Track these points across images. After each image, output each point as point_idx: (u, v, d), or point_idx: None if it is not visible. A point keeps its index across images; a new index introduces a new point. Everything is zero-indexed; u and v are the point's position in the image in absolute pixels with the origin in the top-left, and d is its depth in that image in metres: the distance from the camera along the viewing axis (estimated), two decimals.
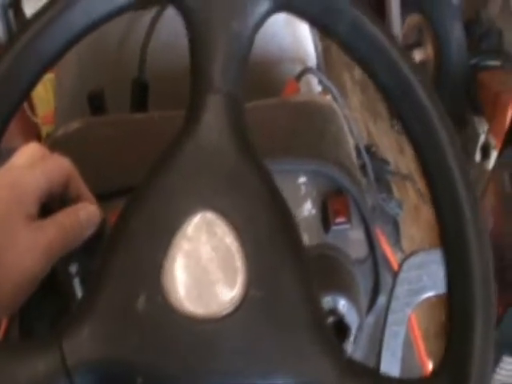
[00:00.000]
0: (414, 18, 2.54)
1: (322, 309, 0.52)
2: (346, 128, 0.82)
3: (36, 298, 0.61)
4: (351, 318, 0.67)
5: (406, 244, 1.83)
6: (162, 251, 0.49)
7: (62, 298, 0.65)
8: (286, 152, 0.73)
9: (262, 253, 0.50)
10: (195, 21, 0.54)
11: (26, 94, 0.56)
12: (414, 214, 1.98)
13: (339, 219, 0.71)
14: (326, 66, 1.20)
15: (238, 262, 0.49)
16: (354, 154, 0.80)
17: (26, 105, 2.31)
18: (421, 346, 0.98)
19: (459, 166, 0.51)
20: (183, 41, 0.56)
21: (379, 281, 0.75)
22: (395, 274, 0.84)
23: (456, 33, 2.39)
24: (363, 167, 1.23)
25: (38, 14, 0.53)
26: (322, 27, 0.57)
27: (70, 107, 1.08)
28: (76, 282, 0.65)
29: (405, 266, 0.85)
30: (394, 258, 1.08)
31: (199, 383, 0.47)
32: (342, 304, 0.66)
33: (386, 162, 1.84)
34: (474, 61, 2.48)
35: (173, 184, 0.51)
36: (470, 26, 2.58)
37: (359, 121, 2.49)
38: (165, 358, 0.47)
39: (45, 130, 2.28)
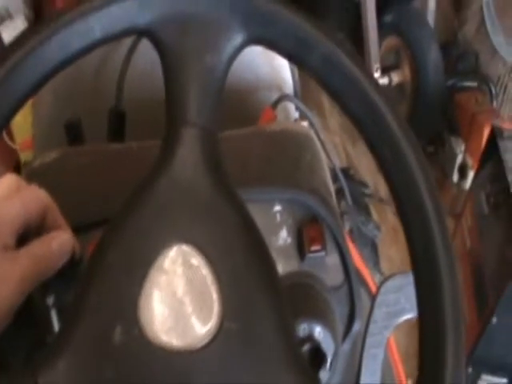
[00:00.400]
0: (392, 41, 2.57)
1: (296, 339, 0.53)
2: (322, 155, 0.83)
3: (11, 330, 0.61)
4: (327, 344, 0.67)
5: (385, 265, 1.84)
6: (138, 284, 0.49)
7: (38, 330, 0.65)
8: (260, 181, 0.73)
9: (237, 285, 0.50)
10: (169, 54, 0.55)
11: (1, 128, 0.55)
12: (393, 236, 1.99)
13: (314, 247, 0.72)
14: (303, 88, 1.21)
15: (214, 295, 0.49)
16: (329, 180, 0.81)
17: (4, 131, 2.31)
18: (399, 367, 0.99)
19: (429, 189, 0.52)
20: (160, 70, 0.57)
21: (355, 307, 0.76)
22: (373, 298, 0.85)
23: (433, 54, 2.42)
24: (341, 191, 1.24)
25: (11, 50, 0.53)
26: (295, 60, 0.58)
27: (48, 135, 1.08)
28: (53, 314, 0.65)
29: (382, 289, 0.86)
30: (372, 280, 1.09)
31: None
32: (318, 331, 0.67)
33: (364, 184, 1.85)
34: (450, 82, 2.52)
35: (148, 217, 0.51)
36: (447, 47, 2.63)
37: (338, 143, 2.50)
38: None
39: (23, 156, 2.27)
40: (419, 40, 2.44)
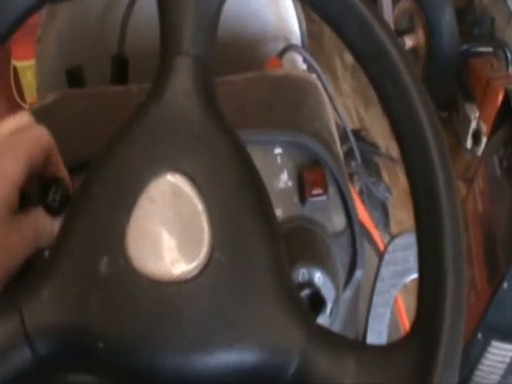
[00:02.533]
0: (405, 4, 2.55)
1: (290, 275, 0.51)
2: (326, 102, 0.81)
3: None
4: (327, 290, 0.66)
5: (395, 229, 1.83)
6: (126, 213, 0.47)
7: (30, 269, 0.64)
8: (261, 123, 0.72)
9: (228, 216, 0.49)
10: None
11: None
12: (404, 199, 1.98)
13: (315, 191, 0.70)
14: (317, 51, 1.19)
15: (204, 225, 0.48)
16: (333, 127, 0.79)
17: (14, 90, 2.32)
18: (407, 327, 0.98)
19: (431, 122, 0.50)
20: None
21: (357, 254, 0.74)
22: (381, 255, 0.83)
23: (447, 18, 2.39)
24: (351, 151, 1.23)
25: None
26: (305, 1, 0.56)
27: (50, 85, 1.07)
28: (46, 254, 0.64)
29: (390, 247, 0.84)
30: (380, 239, 1.07)
31: (160, 349, 0.46)
32: (318, 276, 0.65)
33: (375, 145, 1.83)
34: (465, 47, 2.50)
35: (137, 146, 0.50)
36: (462, 12, 2.60)
37: (350, 107, 2.49)
38: (125, 322, 0.46)
39: None
40: (433, 3, 2.41)
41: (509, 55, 2.45)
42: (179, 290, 0.46)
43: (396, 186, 1.94)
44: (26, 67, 2.29)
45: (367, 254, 0.89)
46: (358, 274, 0.74)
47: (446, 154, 0.49)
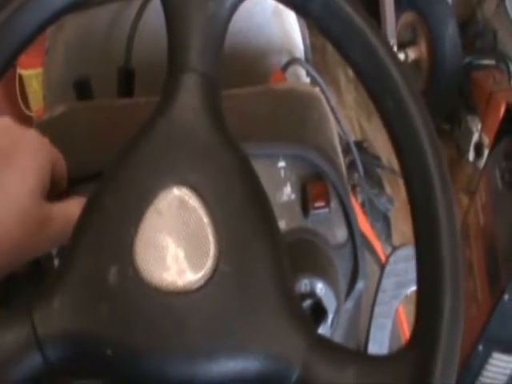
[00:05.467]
0: (409, 16, 2.59)
1: (292, 286, 0.52)
2: (329, 116, 0.82)
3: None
4: (328, 301, 0.67)
5: (397, 240, 1.84)
6: (134, 225, 0.49)
7: (42, 279, 0.66)
8: (265, 137, 0.73)
9: (233, 228, 0.50)
10: (169, 4, 0.55)
11: (2, 72, 0.55)
12: (406, 211, 1.98)
13: (318, 203, 0.71)
14: (320, 64, 1.20)
15: (210, 237, 0.49)
16: (336, 141, 0.80)
17: (19, 99, 2.34)
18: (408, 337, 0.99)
19: (430, 138, 0.51)
20: None
21: (358, 265, 0.75)
22: (382, 267, 0.84)
23: (450, 31, 2.43)
24: (353, 163, 1.24)
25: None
26: (297, 7, 0.58)
27: (58, 96, 1.08)
28: (56, 263, 0.66)
29: (392, 259, 0.85)
30: (381, 250, 1.08)
31: (166, 357, 0.47)
32: (320, 287, 0.66)
33: (377, 157, 1.85)
34: (468, 59, 2.53)
35: (146, 159, 0.51)
36: (465, 25, 2.64)
37: (353, 118, 2.50)
38: (133, 331, 0.47)
39: None
40: (436, 16, 2.45)
41: (511, 68, 2.49)
42: (185, 299, 0.47)
43: (398, 197, 1.95)
44: (31, 76, 2.31)
45: (369, 264, 0.90)
46: (360, 285, 0.76)
47: (445, 173, 0.51)
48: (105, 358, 0.47)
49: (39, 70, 2.28)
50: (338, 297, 0.68)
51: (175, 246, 0.48)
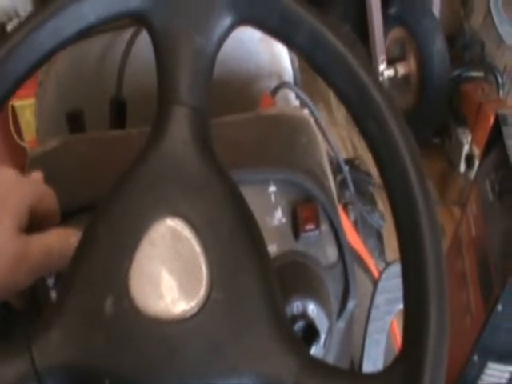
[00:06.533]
0: (397, 32, 2.61)
1: (283, 309, 0.54)
2: (318, 139, 0.84)
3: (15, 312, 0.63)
4: (321, 322, 0.69)
5: (390, 256, 1.84)
6: (129, 256, 0.51)
7: (39, 310, 0.67)
8: (255, 162, 0.75)
9: (224, 256, 0.52)
10: (160, 35, 0.57)
11: None
12: None
13: (309, 226, 0.74)
14: (310, 83, 1.22)
15: (202, 266, 0.51)
16: (326, 163, 0.82)
17: (13, 130, 2.34)
18: None
19: (413, 160, 0.53)
20: None
21: (349, 285, 0.77)
22: (375, 283, 0.86)
23: (438, 45, 2.45)
24: (345, 181, 1.26)
25: (10, 35, 0.55)
26: (283, 39, 0.60)
27: (50, 126, 1.09)
28: (53, 294, 0.67)
29: (385, 275, 0.87)
30: (374, 267, 1.10)
31: (162, 383, 0.49)
32: (312, 308, 0.68)
33: (369, 174, 1.86)
34: (457, 72, 2.56)
35: (138, 191, 0.53)
36: (453, 38, 2.67)
37: (345, 136, 2.52)
38: (130, 360, 0.49)
39: None
40: (424, 31, 2.48)
41: (499, 79, 2.50)
42: (179, 327, 0.49)
43: (390, 213, 1.96)
44: (24, 106, 2.31)
45: (362, 281, 0.92)
46: (351, 304, 0.77)
47: (428, 193, 0.53)
48: None
49: (32, 101, 2.29)
50: (329, 317, 0.70)
51: (169, 276, 0.50)
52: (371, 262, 1.11)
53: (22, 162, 2.12)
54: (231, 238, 0.52)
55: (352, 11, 2.69)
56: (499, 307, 1.53)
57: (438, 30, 2.48)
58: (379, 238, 1.76)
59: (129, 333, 0.49)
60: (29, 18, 0.56)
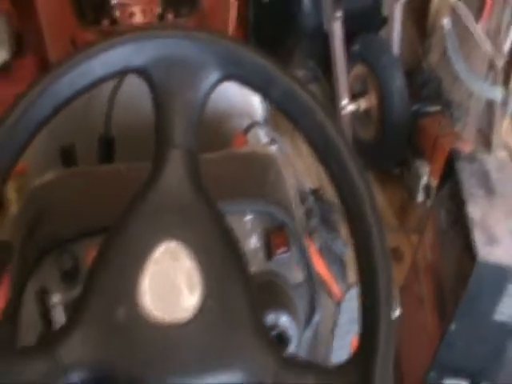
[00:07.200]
0: (359, 69, 2.66)
1: (262, 316, 0.65)
2: (284, 173, 0.95)
3: None
4: (291, 330, 0.80)
5: (353, 280, 1.92)
6: (136, 273, 0.61)
7: (44, 324, 0.77)
8: (233, 195, 0.86)
9: (215, 271, 0.63)
10: (157, 89, 0.68)
11: (18, 155, 0.66)
12: None
13: (280, 250, 0.85)
14: (277, 116, 1.32)
15: (197, 279, 0.61)
16: (292, 195, 0.93)
17: None
18: None
19: (367, 192, 0.65)
20: (145, 100, 0.69)
21: (314, 301, 0.88)
22: (338, 304, 0.97)
23: (397, 82, 2.51)
24: (310, 210, 1.36)
25: (29, 88, 0.65)
26: (261, 93, 0.71)
27: (42, 161, 1.17)
28: (59, 310, 0.77)
29: (347, 296, 0.99)
30: (337, 290, 1.20)
31: (166, 376, 0.59)
32: (284, 320, 0.79)
33: (331, 203, 1.95)
34: (415, 107, 2.60)
35: (142, 220, 0.64)
36: (412, 74, 2.71)
37: (310, 165, 2.57)
38: (140, 357, 0.59)
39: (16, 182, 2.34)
40: (384, 68, 2.53)
41: (455, 114, 2.56)
42: (180, 331, 0.60)
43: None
44: None
45: (325, 304, 1.03)
46: (316, 317, 0.88)
47: (381, 227, 0.64)
48: (118, 381, 0.59)
49: None
50: (298, 327, 0.81)
51: (170, 288, 0.61)
52: (335, 286, 1.21)
53: None
54: (221, 256, 0.63)
55: (317, 48, 2.73)
56: (452, 326, 1.62)
57: (397, 68, 2.53)
58: (342, 264, 1.84)
59: (138, 335, 0.59)
60: (47, 73, 0.66)
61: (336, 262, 1.91)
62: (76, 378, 0.58)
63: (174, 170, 0.66)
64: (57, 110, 0.67)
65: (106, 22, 1.67)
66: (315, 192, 2.01)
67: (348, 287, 0.99)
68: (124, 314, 0.60)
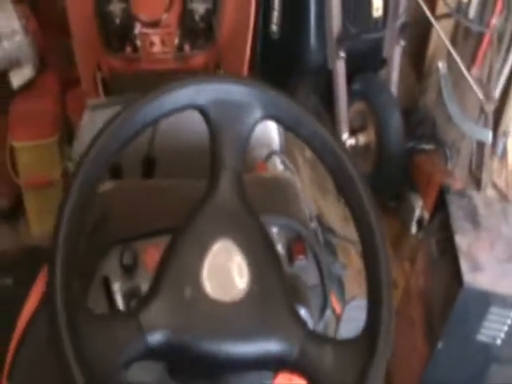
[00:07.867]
0: (359, 106, 2.76)
1: (292, 300, 0.80)
2: (300, 195, 1.12)
3: None
4: (308, 322, 0.94)
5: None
6: (200, 262, 0.76)
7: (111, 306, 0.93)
8: (262, 211, 1.01)
9: (258, 264, 0.78)
10: (213, 123, 0.83)
11: (103, 173, 0.80)
12: (359, 278, 2.11)
13: (300, 257, 1.01)
14: (284, 147, 1.48)
15: (245, 269, 0.77)
16: (307, 211, 1.09)
17: (9, 167, 2.36)
18: None
19: (372, 207, 0.81)
20: (183, 128, 0.87)
21: (327, 300, 1.04)
22: (339, 315, 1.12)
23: (395, 119, 2.61)
24: (315, 233, 1.50)
25: (117, 116, 0.79)
26: (292, 131, 0.87)
27: None
28: (118, 296, 0.93)
29: (346, 309, 1.14)
30: (336, 303, 1.34)
31: (221, 341, 0.74)
32: (303, 313, 0.94)
33: (331, 229, 2.06)
34: (411, 144, 2.71)
35: (203, 223, 0.79)
36: (408, 113, 2.82)
37: (309, 195, 2.65)
38: (203, 326, 0.74)
39: (30, 194, 2.42)
40: (383, 106, 2.63)
41: (448, 152, 2.66)
42: (231, 307, 0.75)
43: (351, 265, 2.12)
44: (23, 148, 2.36)
45: (327, 317, 1.17)
46: (328, 312, 1.04)
47: (384, 248, 0.81)
48: (186, 346, 0.74)
49: (31, 144, 2.33)
50: (313, 319, 0.96)
51: (226, 273, 0.77)
52: (335, 302, 1.35)
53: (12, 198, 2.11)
54: (263, 252, 0.79)
55: (320, 85, 2.80)
56: (440, 346, 1.73)
57: (395, 106, 2.61)
58: (341, 285, 1.95)
59: (201, 310, 0.75)
60: (127, 107, 0.80)
61: (335, 281, 2.04)
62: (153, 340, 0.72)
63: (226, 186, 0.81)
64: (133, 138, 0.81)
65: (128, 50, 1.81)
66: (318, 217, 2.14)
67: (347, 301, 1.15)
68: (190, 292, 0.75)
